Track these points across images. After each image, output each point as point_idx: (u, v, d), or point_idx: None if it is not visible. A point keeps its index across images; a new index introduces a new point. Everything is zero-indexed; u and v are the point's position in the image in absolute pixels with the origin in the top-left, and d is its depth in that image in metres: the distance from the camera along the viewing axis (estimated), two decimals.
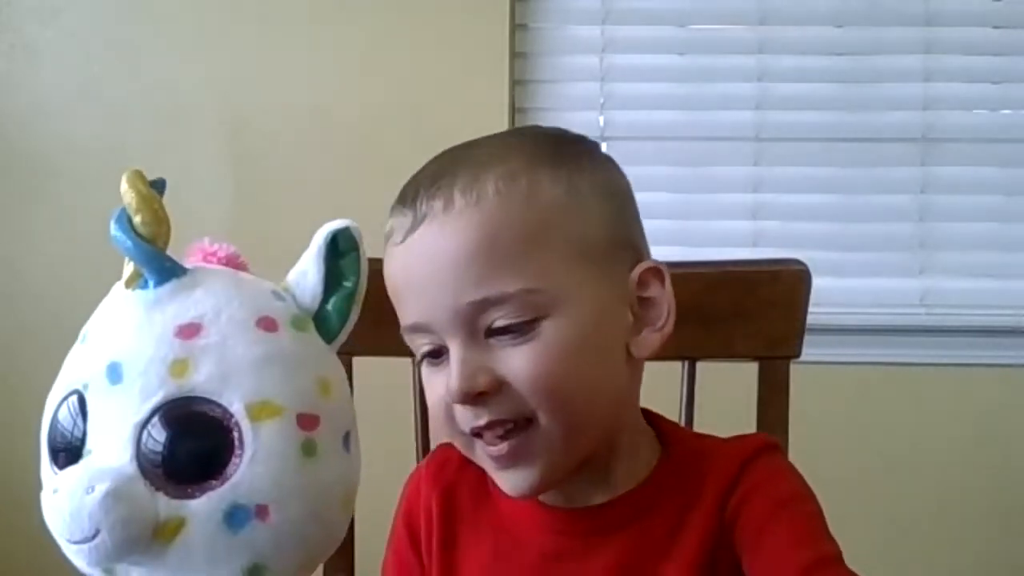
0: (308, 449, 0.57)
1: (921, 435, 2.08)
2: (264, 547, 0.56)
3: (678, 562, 0.80)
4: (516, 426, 0.77)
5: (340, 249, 0.61)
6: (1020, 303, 2.10)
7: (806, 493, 0.84)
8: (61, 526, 0.54)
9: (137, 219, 0.57)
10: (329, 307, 0.61)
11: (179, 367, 0.56)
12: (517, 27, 2.10)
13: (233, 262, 0.63)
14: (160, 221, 0.58)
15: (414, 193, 0.79)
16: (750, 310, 1.09)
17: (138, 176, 0.59)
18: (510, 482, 0.79)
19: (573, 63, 2.15)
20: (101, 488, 0.53)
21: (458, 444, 0.81)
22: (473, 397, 0.76)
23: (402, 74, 2.07)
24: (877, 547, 2.07)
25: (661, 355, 1.11)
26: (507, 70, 2.07)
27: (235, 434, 0.55)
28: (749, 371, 1.11)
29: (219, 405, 0.55)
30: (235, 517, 0.55)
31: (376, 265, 0.98)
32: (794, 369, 1.11)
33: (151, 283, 0.58)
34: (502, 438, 0.77)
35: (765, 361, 1.10)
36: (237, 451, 0.55)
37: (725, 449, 0.84)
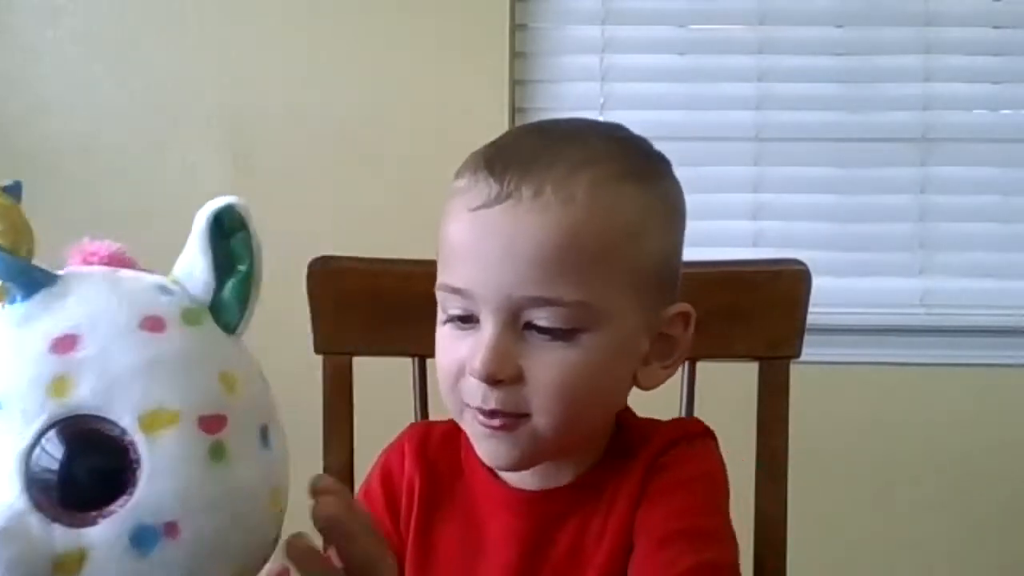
0: (216, 453, 0.52)
1: (921, 435, 2.08)
2: (180, 567, 0.51)
3: (606, 544, 0.83)
4: (512, 417, 0.79)
5: (227, 230, 0.54)
6: (1020, 303, 2.10)
7: (714, 474, 0.86)
8: None
9: None
10: (225, 295, 0.55)
11: (59, 385, 0.50)
12: (517, 27, 2.10)
13: (117, 260, 0.58)
14: (19, 230, 0.53)
15: (503, 166, 0.79)
16: (750, 310, 1.09)
17: None
18: (492, 453, 0.82)
19: (573, 63, 2.15)
20: None
21: (451, 406, 0.83)
22: (495, 381, 0.78)
23: (402, 74, 2.07)
24: (877, 546, 2.07)
25: None
26: (507, 70, 2.07)
27: (130, 450, 0.50)
28: (749, 371, 1.11)
29: (108, 420, 0.50)
30: (142, 539, 0.50)
31: (369, 265, 0.98)
32: (794, 369, 1.11)
33: (18, 297, 0.53)
34: (498, 424, 0.80)
35: (765, 361, 1.10)
36: (134, 468, 0.50)
37: (660, 430, 0.87)
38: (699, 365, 1.12)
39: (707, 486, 0.85)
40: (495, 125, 2.02)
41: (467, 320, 0.80)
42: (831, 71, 2.14)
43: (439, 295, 0.82)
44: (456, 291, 0.79)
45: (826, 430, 1.94)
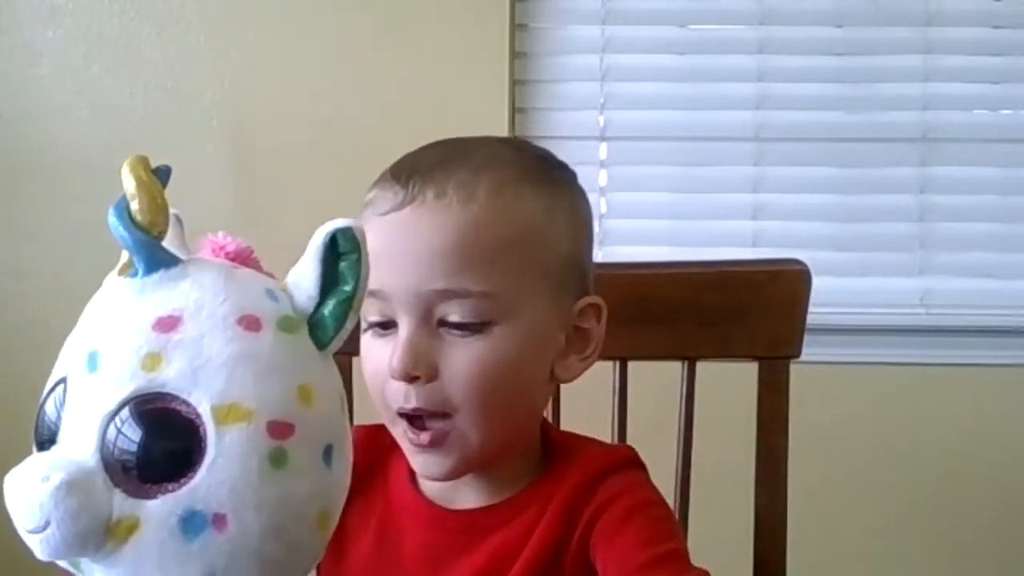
0: (277, 459, 0.53)
1: (921, 435, 2.08)
2: (218, 559, 0.52)
3: (518, 567, 0.84)
4: (434, 417, 0.82)
5: (340, 250, 0.57)
6: (1020, 303, 2.10)
7: (658, 501, 0.87)
8: (16, 514, 0.52)
9: (134, 206, 0.55)
10: (325, 311, 0.57)
11: (152, 360, 0.53)
12: (517, 27, 2.10)
13: (242, 258, 0.61)
14: (158, 210, 0.56)
15: (408, 173, 0.83)
16: (750, 310, 1.09)
17: (140, 162, 0.56)
18: (424, 465, 0.84)
19: (573, 63, 2.15)
20: (56, 478, 0.51)
21: (385, 419, 0.85)
22: (411, 378, 0.80)
23: (402, 74, 2.06)
24: (876, 546, 2.07)
25: (660, 355, 1.12)
26: (507, 70, 2.07)
27: (200, 436, 0.52)
28: (749, 371, 1.11)
29: (188, 404, 0.53)
30: (191, 524, 0.52)
31: None
32: (794, 369, 1.11)
33: (140, 271, 0.56)
34: (423, 428, 0.82)
35: (765, 361, 1.10)
36: (200, 454, 0.52)
37: (587, 460, 0.88)
38: (699, 365, 1.12)
39: (661, 511, 0.87)
40: (495, 125, 2.03)
41: (386, 326, 0.83)
42: (831, 71, 2.14)
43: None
44: (372, 294, 0.80)
45: (826, 430, 1.94)
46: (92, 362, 0.54)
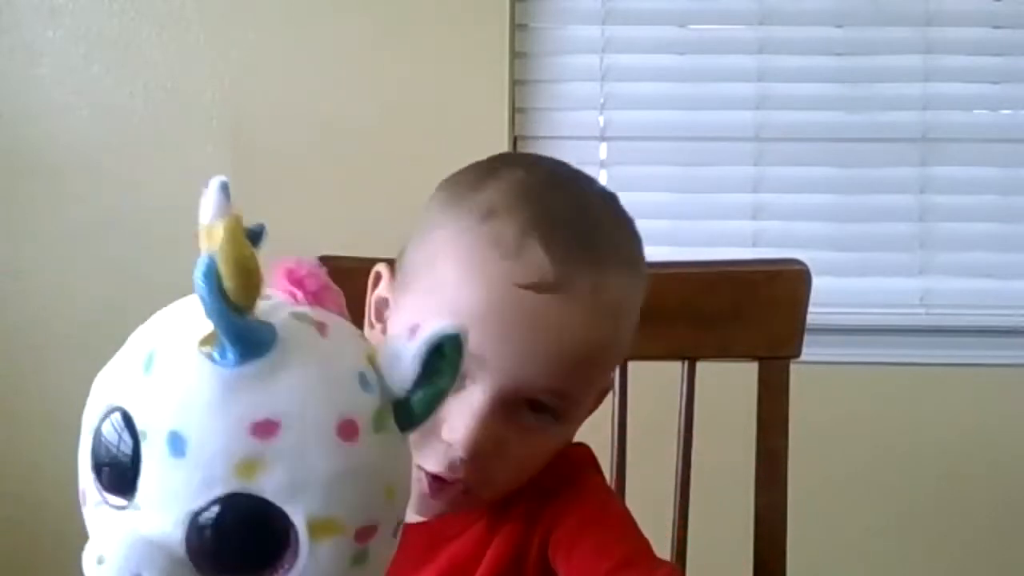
0: (358, 560, 0.53)
1: (921, 435, 2.08)
2: None
3: (483, 568, 0.82)
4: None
5: (444, 351, 0.54)
6: (1020, 303, 2.10)
7: (612, 501, 0.86)
8: None
9: (229, 284, 0.50)
10: (415, 401, 0.55)
11: (248, 467, 0.51)
12: (517, 27, 2.10)
13: (323, 296, 0.57)
14: (254, 288, 0.51)
15: (564, 249, 0.75)
16: (750, 310, 1.09)
17: (238, 227, 0.50)
18: (422, 507, 0.80)
19: (573, 63, 2.15)
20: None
21: None
22: (476, 456, 0.74)
23: (401, 74, 2.07)
24: (876, 546, 2.07)
25: (660, 355, 1.12)
26: (507, 70, 2.07)
27: (291, 543, 0.52)
28: (749, 371, 1.11)
29: (282, 512, 0.51)
30: None
31: (369, 265, 0.98)
32: (794, 369, 1.11)
33: (231, 357, 0.52)
34: (442, 487, 0.77)
35: (765, 361, 1.10)
36: (288, 561, 0.52)
37: (547, 466, 0.84)
38: (699, 365, 1.12)
39: (615, 510, 0.85)
40: (495, 125, 2.03)
41: None
42: (831, 71, 2.14)
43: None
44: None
45: (826, 430, 1.94)
46: (176, 446, 0.52)
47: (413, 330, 0.53)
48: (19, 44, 2.12)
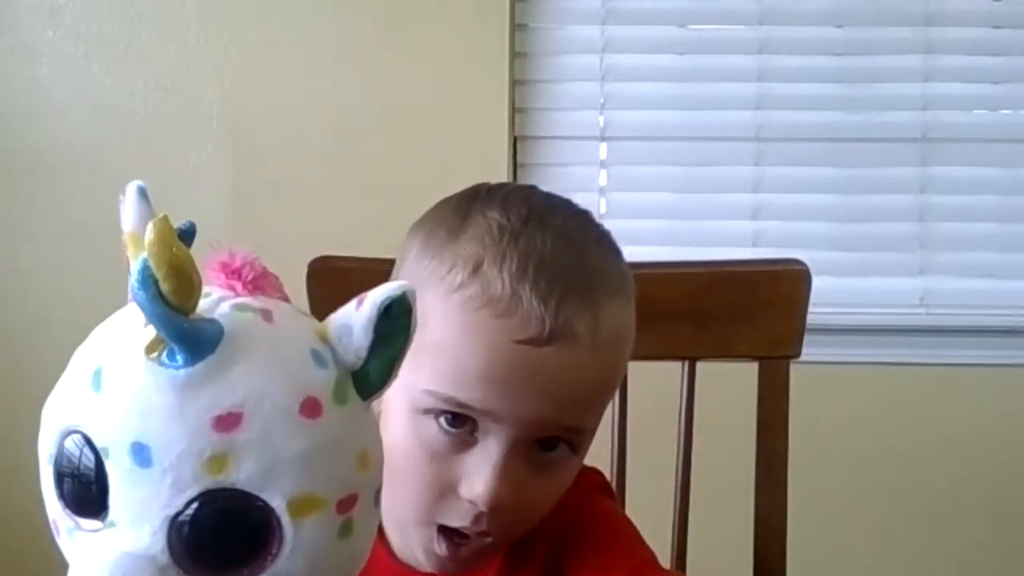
0: (345, 530, 0.54)
1: (921, 435, 2.08)
2: None
3: None
4: (483, 534, 0.76)
5: (393, 313, 0.54)
6: (1020, 303, 2.10)
7: (629, 522, 0.86)
8: None
9: (167, 286, 0.50)
10: (372, 369, 0.55)
11: (218, 462, 0.51)
12: (517, 27, 2.10)
13: (261, 284, 0.57)
14: (193, 288, 0.50)
15: (559, 297, 0.73)
16: (750, 310, 1.09)
17: (167, 228, 0.50)
18: (438, 565, 0.79)
19: (573, 63, 2.15)
20: None
21: (411, 515, 0.77)
22: (500, 508, 0.73)
23: (402, 74, 2.07)
24: (876, 546, 2.07)
25: (660, 355, 1.12)
26: (507, 70, 2.07)
27: (275, 528, 0.52)
28: (749, 371, 1.11)
29: (260, 499, 0.52)
30: None
31: (369, 265, 0.98)
32: (794, 369, 1.11)
33: (180, 359, 0.52)
34: (461, 542, 0.76)
35: (765, 361, 1.10)
36: (276, 546, 0.52)
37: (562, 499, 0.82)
38: (699, 365, 1.12)
39: (629, 530, 0.84)
40: (495, 125, 2.03)
41: (458, 422, 0.74)
42: (831, 71, 2.14)
43: (428, 398, 0.74)
44: (465, 406, 0.73)
45: (826, 430, 1.94)
46: (140, 456, 0.51)
47: (360, 300, 0.53)
48: (19, 44, 2.12)
